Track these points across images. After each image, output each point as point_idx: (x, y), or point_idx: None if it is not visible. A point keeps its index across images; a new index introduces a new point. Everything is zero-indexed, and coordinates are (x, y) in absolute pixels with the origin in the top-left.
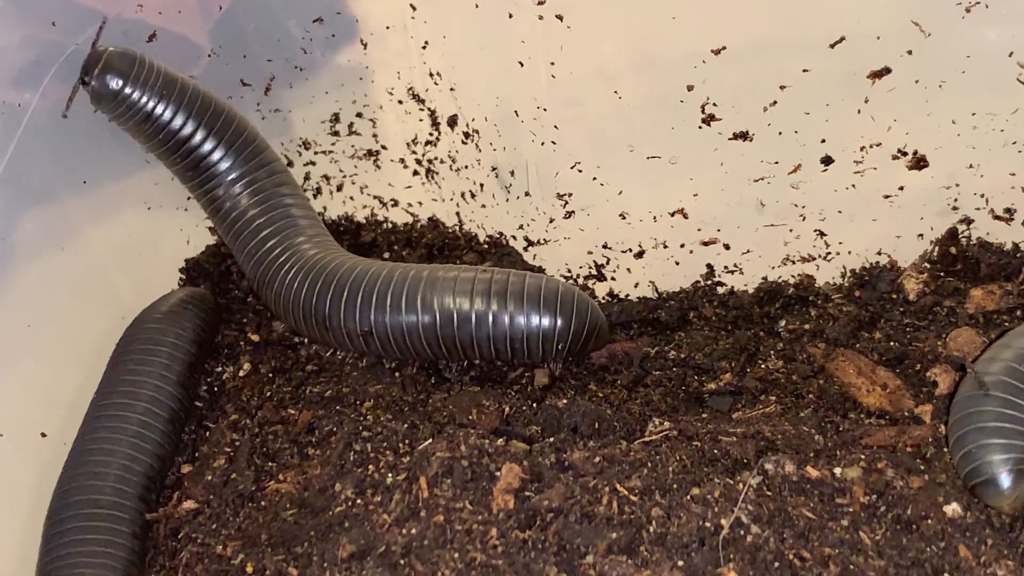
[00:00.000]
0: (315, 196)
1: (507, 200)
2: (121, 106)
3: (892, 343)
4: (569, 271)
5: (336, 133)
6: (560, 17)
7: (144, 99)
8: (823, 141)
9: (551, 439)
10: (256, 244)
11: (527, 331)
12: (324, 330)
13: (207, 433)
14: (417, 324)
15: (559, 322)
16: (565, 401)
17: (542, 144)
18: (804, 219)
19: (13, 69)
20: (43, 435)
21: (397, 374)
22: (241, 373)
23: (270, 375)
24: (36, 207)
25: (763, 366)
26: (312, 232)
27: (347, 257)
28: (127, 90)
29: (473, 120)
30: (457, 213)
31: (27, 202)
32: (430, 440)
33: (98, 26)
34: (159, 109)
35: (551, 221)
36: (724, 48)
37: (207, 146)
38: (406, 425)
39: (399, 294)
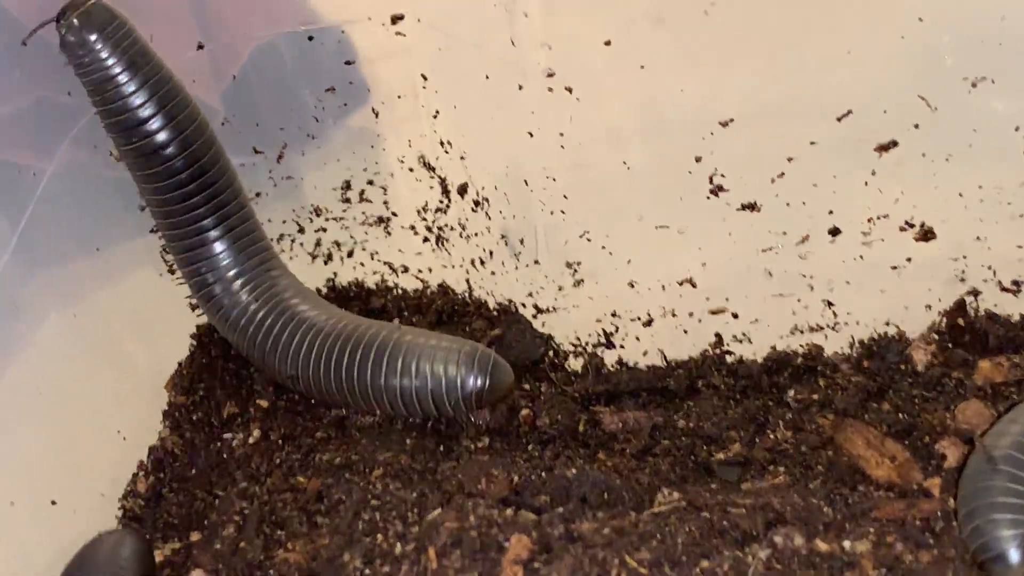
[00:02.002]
0: (326, 262)
1: (516, 268)
2: (85, 58)
3: (901, 414)
4: (578, 339)
5: (347, 200)
6: (569, 89)
7: (110, 60)
8: (831, 212)
9: (560, 509)
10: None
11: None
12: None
13: (216, 501)
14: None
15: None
16: (574, 470)
17: (551, 212)
18: (812, 289)
19: (29, 135)
20: (53, 503)
21: (407, 441)
22: (251, 440)
23: (279, 442)
24: (48, 272)
25: (772, 436)
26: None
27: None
28: (97, 44)
29: (483, 188)
30: (467, 280)
31: (40, 267)
32: (439, 510)
33: None
34: (123, 76)
35: (560, 289)
36: (732, 120)
37: (163, 135)
38: (415, 494)
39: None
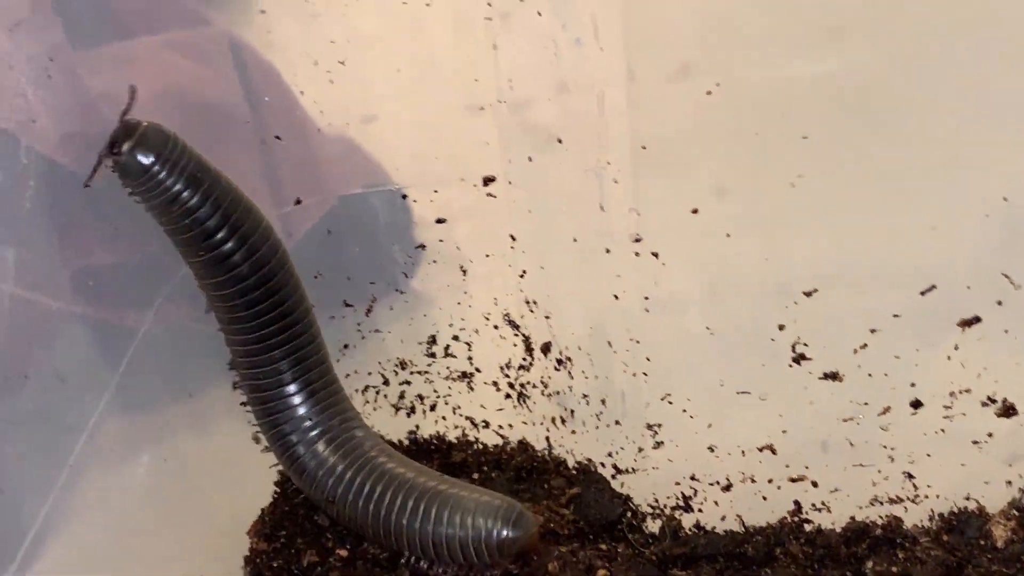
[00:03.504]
0: (409, 415)
1: (597, 427)
2: (147, 183)
3: None
4: (656, 500)
5: (432, 355)
6: (656, 254)
7: (171, 180)
8: (912, 384)
9: None
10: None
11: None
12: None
13: None
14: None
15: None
16: None
17: (634, 374)
18: (893, 460)
19: (131, 292)
20: None
21: None
22: None
23: None
24: (143, 416)
25: None
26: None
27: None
28: (156, 167)
29: (566, 347)
30: (547, 437)
31: (135, 411)
32: None
33: (129, 97)
34: (186, 194)
35: (640, 450)
36: (816, 290)
37: (231, 244)
38: None
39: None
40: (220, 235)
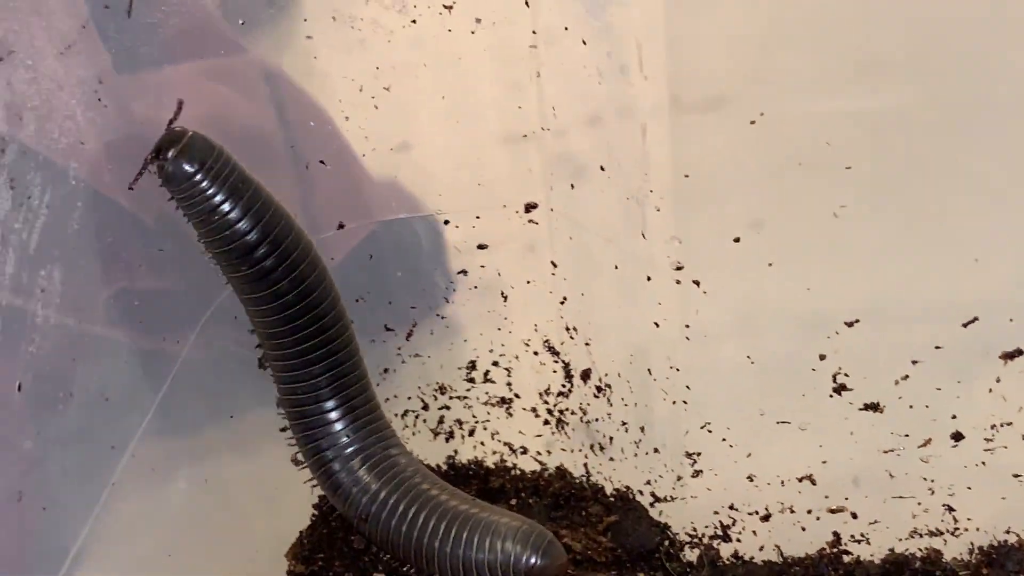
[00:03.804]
0: (447, 440)
1: (635, 455)
2: (188, 191)
3: None
4: (694, 529)
5: (472, 380)
6: (697, 283)
7: (212, 190)
8: (954, 417)
9: None
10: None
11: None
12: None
13: None
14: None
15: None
16: None
17: (673, 403)
18: (933, 493)
19: (174, 313)
20: None
21: None
22: None
23: None
24: (184, 436)
25: None
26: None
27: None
28: (198, 176)
29: (606, 375)
30: (585, 464)
31: (176, 431)
32: None
33: (177, 108)
34: (226, 205)
35: (679, 479)
36: (857, 320)
37: (271, 261)
38: None
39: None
40: (260, 251)
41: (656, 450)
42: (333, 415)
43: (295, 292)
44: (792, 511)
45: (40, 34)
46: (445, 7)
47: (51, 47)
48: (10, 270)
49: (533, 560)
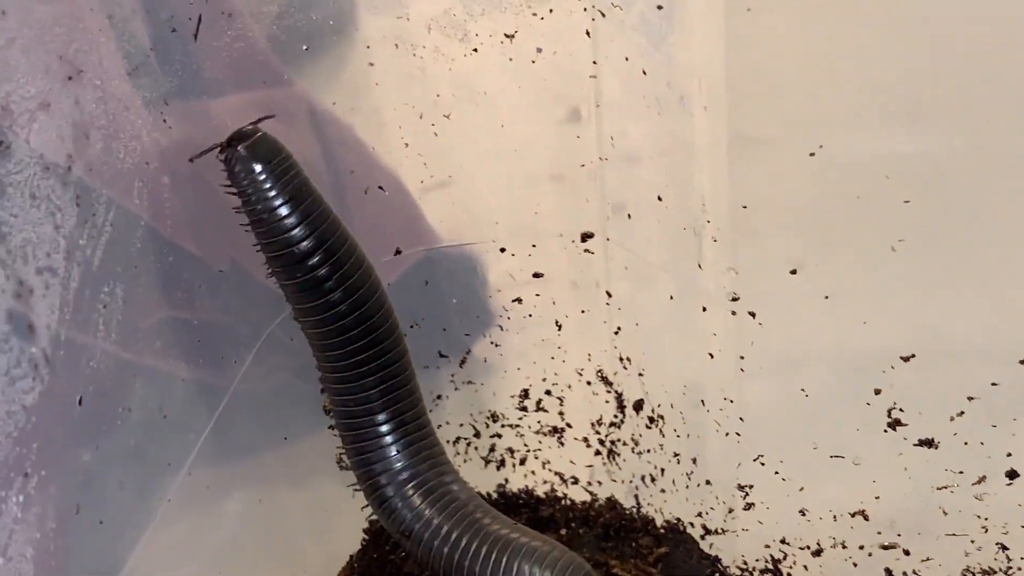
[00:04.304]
0: (498, 468)
1: (687, 487)
2: (249, 188)
3: None
4: (745, 563)
5: (524, 408)
6: (752, 314)
7: (272, 191)
8: (1009, 455)
9: None
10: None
11: None
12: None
13: None
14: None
15: None
16: None
17: (726, 434)
18: (986, 531)
19: (231, 338)
20: None
21: None
22: None
23: None
24: (239, 456)
25: None
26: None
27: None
28: (261, 176)
29: (659, 405)
30: (635, 495)
31: (232, 451)
32: None
33: (264, 117)
34: (284, 209)
35: (730, 511)
36: (913, 355)
37: (324, 270)
38: None
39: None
40: (314, 258)
41: (708, 482)
42: (384, 428)
43: (348, 302)
44: (844, 546)
45: (109, 55)
46: (506, 36)
47: (119, 68)
48: (74, 285)
49: None
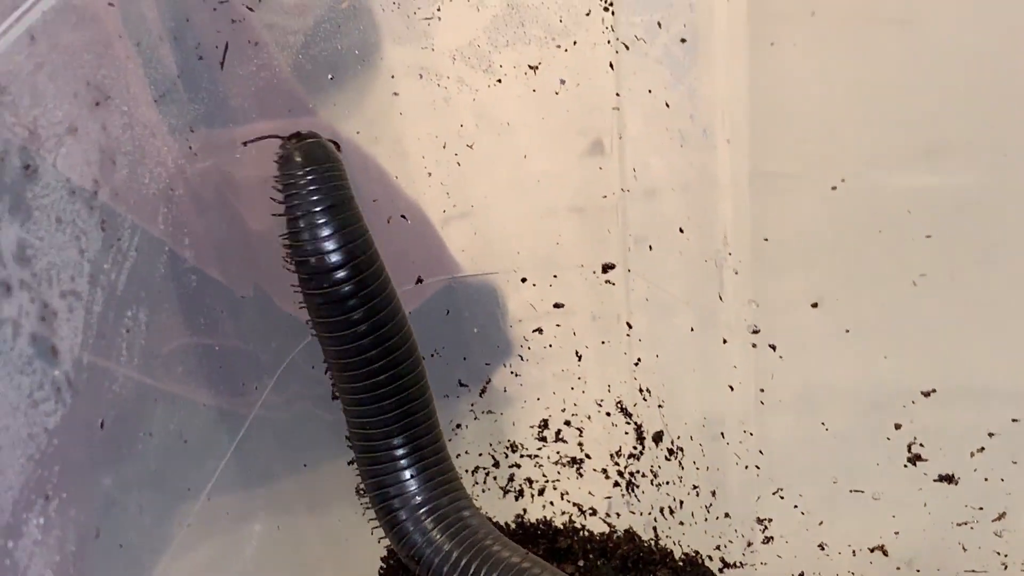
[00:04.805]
0: (517, 498)
1: (706, 519)
2: (292, 186)
3: None
4: None
5: (543, 439)
6: (773, 347)
7: (314, 196)
8: None
9: None
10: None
11: None
12: None
13: None
14: None
15: None
16: None
17: (746, 467)
18: (1006, 568)
19: (252, 364)
20: None
21: None
22: None
23: None
24: (259, 482)
25: None
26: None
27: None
28: (306, 177)
29: (678, 437)
30: (654, 528)
31: (252, 477)
32: None
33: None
34: (320, 217)
35: (749, 545)
36: (934, 390)
37: (349, 287)
38: None
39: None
40: (340, 273)
41: (727, 515)
42: (400, 452)
43: (368, 322)
44: None
45: (136, 81)
46: (530, 67)
47: (146, 94)
48: (98, 309)
49: None
